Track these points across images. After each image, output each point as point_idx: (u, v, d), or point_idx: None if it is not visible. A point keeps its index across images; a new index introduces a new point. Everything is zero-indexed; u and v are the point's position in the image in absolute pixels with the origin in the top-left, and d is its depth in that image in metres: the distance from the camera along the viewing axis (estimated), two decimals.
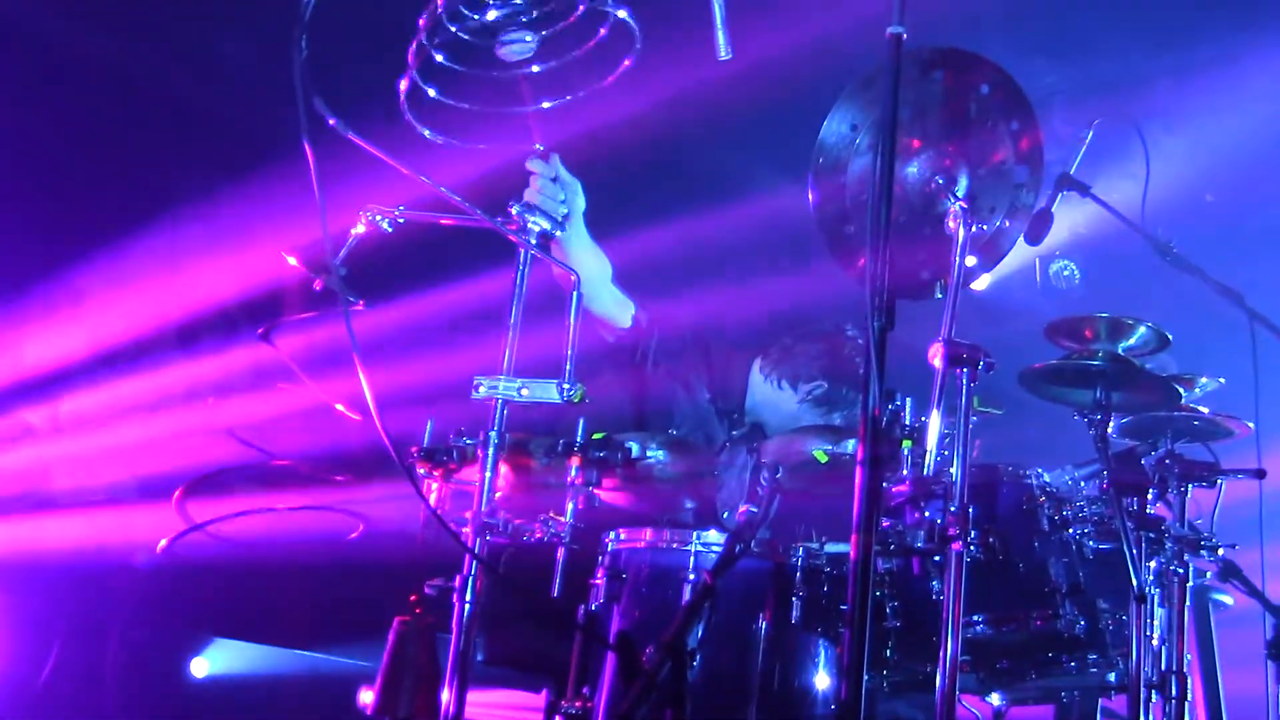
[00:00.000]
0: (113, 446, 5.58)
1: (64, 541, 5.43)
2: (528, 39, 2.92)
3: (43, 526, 5.46)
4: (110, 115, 5.71)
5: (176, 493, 3.54)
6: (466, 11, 2.83)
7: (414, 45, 2.84)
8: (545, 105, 3.12)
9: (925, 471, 3.15)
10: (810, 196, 3.39)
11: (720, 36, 3.05)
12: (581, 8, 2.79)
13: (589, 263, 4.00)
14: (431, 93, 2.91)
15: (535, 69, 2.98)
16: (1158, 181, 5.12)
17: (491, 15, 2.80)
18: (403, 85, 2.91)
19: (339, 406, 3.26)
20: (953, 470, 3.03)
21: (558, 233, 3.57)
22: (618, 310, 4.37)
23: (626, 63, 2.92)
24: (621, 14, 2.87)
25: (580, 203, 3.80)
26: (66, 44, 5.50)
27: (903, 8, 2.61)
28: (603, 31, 2.83)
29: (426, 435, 3.35)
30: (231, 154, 5.62)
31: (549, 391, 3.14)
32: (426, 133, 3.01)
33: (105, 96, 5.68)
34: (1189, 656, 3.93)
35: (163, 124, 5.79)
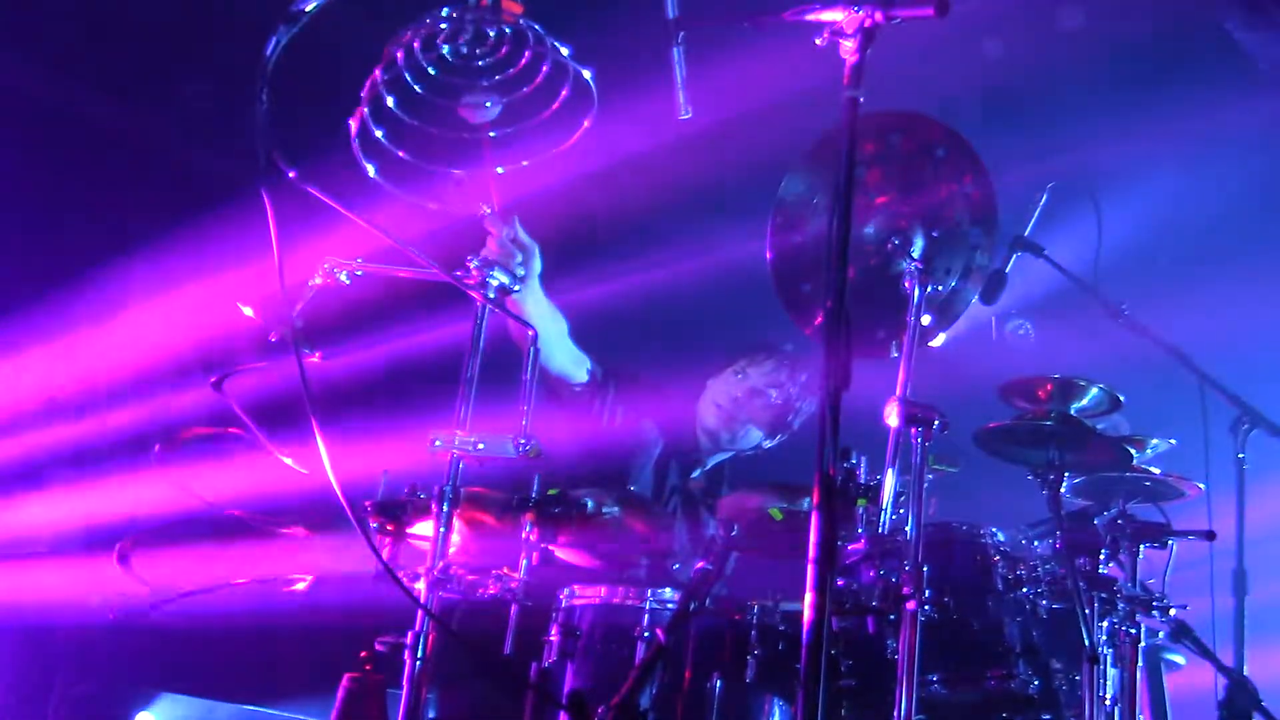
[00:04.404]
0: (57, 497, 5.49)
1: (6, 593, 5.33)
2: (489, 105, 2.92)
3: None
4: (67, 160, 5.67)
5: (119, 546, 3.48)
6: (427, 66, 2.83)
7: (368, 94, 2.84)
8: (500, 170, 3.13)
9: (880, 530, 3.15)
10: (768, 255, 3.41)
11: (680, 95, 3.07)
12: (529, 54, 2.79)
13: (545, 322, 4.01)
14: (382, 137, 2.90)
15: (493, 134, 2.98)
16: (1110, 244, 5.18)
17: (445, 49, 2.79)
18: (353, 125, 2.90)
19: (287, 460, 3.22)
20: (907, 529, 3.03)
21: (516, 288, 3.57)
22: (574, 367, 4.39)
23: (586, 124, 2.93)
24: (585, 74, 2.88)
25: (537, 265, 3.78)
26: (23, 88, 5.46)
27: (860, 73, 2.64)
28: (564, 93, 2.83)
29: (380, 489, 3.32)
30: (189, 201, 5.58)
31: (505, 447, 3.12)
32: (383, 180, 3.00)
33: (62, 142, 5.64)
34: (1142, 717, 3.94)
35: (119, 169, 5.75)
